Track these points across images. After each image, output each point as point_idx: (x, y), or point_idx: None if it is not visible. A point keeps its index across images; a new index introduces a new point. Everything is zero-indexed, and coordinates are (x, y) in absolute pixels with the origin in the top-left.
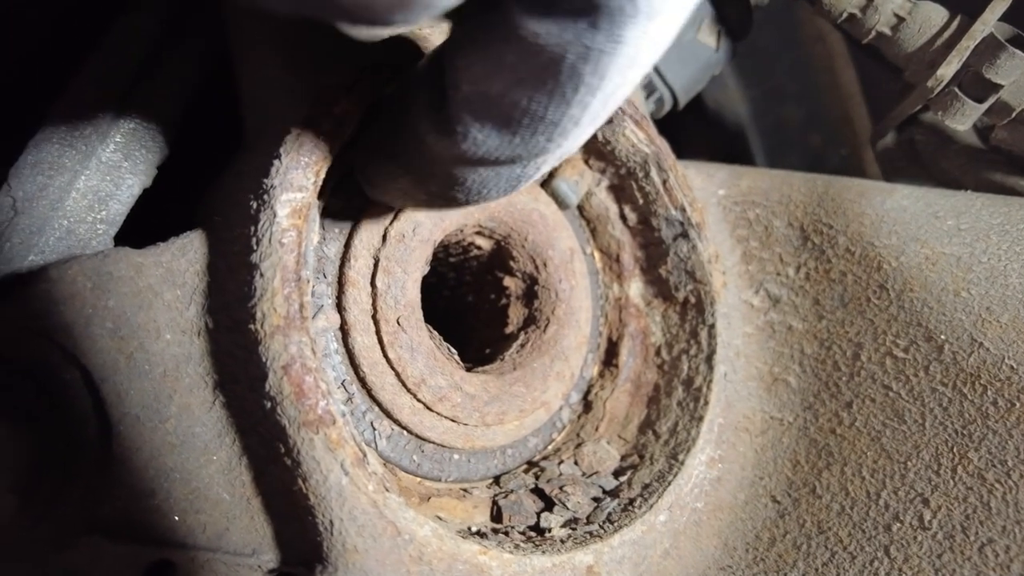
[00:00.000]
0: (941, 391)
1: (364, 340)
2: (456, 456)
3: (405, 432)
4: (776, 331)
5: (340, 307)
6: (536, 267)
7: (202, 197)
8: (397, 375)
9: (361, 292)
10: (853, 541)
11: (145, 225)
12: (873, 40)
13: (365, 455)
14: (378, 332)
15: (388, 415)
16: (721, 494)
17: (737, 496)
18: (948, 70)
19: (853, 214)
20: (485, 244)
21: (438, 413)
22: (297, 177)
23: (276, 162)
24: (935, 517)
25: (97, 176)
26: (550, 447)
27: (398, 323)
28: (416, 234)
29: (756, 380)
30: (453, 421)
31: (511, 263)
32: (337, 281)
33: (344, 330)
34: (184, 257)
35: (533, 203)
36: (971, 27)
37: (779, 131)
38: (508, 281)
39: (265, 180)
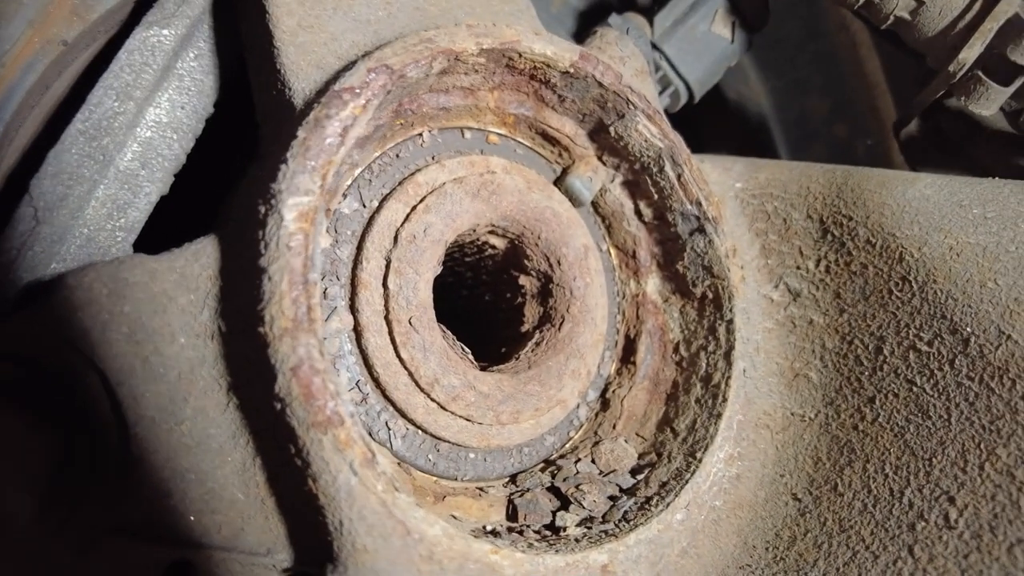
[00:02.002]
0: (967, 385)
1: (377, 341)
2: (472, 455)
3: (420, 431)
4: (796, 325)
5: (353, 309)
6: (550, 265)
7: (218, 204)
8: (410, 375)
9: (373, 293)
10: (876, 540)
11: (166, 230)
12: (892, 25)
13: (374, 455)
14: (391, 333)
15: (402, 415)
16: (741, 492)
17: (757, 494)
18: (971, 53)
19: (874, 205)
20: (499, 243)
21: (452, 412)
22: (303, 181)
23: (283, 167)
24: (961, 516)
25: (115, 185)
26: (567, 445)
27: (410, 323)
28: (427, 235)
29: (776, 376)
30: (468, 420)
31: (526, 262)
32: (350, 283)
33: (357, 331)
34: (197, 262)
35: (546, 201)
36: (995, 8)
37: (803, 123)
38: (523, 280)
39: (272, 185)
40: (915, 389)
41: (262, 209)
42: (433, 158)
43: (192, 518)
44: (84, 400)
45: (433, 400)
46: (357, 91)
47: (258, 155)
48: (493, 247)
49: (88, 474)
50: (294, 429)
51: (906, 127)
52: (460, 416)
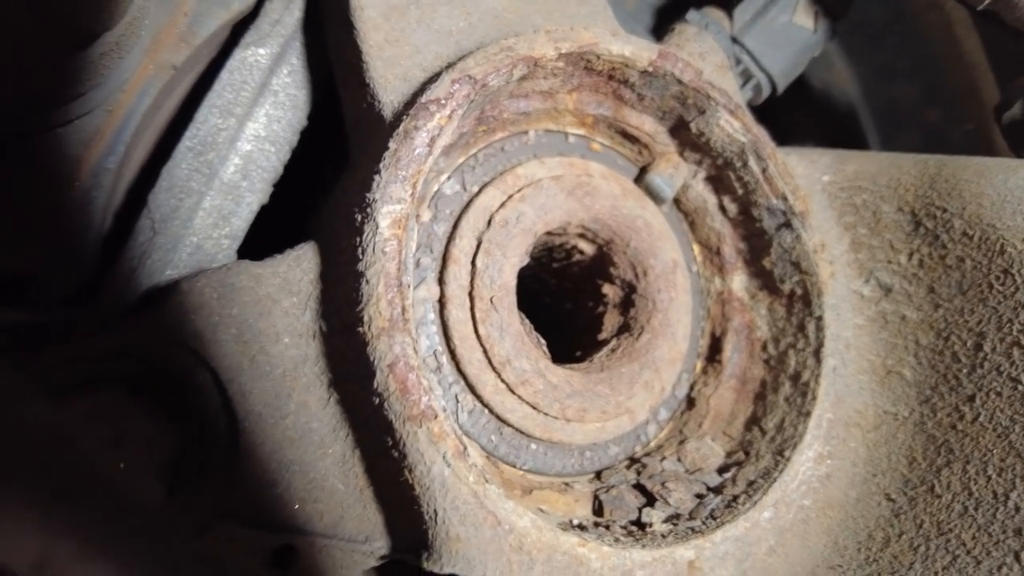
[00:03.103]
0: None
1: (458, 314)
2: (533, 445)
3: (486, 410)
4: (889, 322)
5: (441, 281)
6: (636, 275)
7: (314, 210)
8: (484, 352)
9: (461, 269)
10: (978, 545)
11: (260, 237)
12: (990, 5)
13: (465, 448)
14: (472, 308)
15: (472, 390)
16: (831, 491)
17: (848, 494)
18: None
19: (971, 195)
20: (588, 248)
21: (519, 396)
22: (396, 190)
23: (376, 177)
24: None
25: (220, 196)
26: (652, 444)
27: (491, 302)
28: (519, 222)
29: (868, 373)
30: (533, 408)
31: (611, 269)
32: (442, 257)
33: (442, 302)
34: (299, 267)
35: (639, 210)
36: None
37: (893, 109)
38: (607, 288)
39: (367, 194)
40: (1020, 388)
41: (358, 217)
42: (535, 155)
43: (296, 506)
44: (197, 396)
45: (503, 380)
46: (442, 102)
47: (349, 165)
48: (581, 252)
49: (202, 464)
50: (391, 422)
51: (1009, 111)
52: (526, 402)
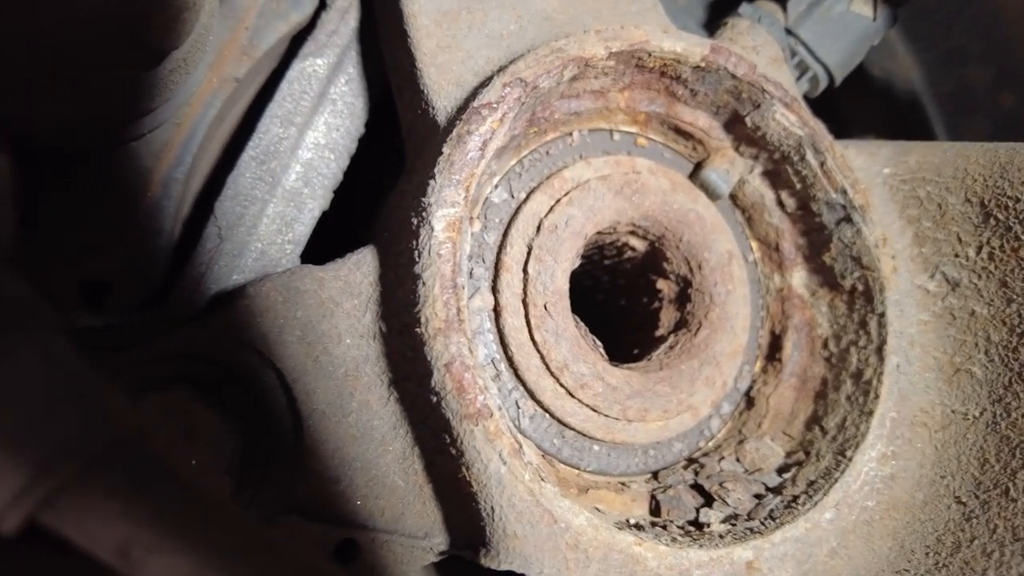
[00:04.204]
0: None
1: (514, 322)
2: (596, 447)
3: (547, 415)
4: (956, 317)
5: (495, 290)
6: (690, 269)
7: (372, 215)
8: (542, 357)
9: (514, 277)
10: None
11: (320, 241)
12: None
13: (521, 446)
14: (527, 315)
15: (532, 396)
16: (895, 492)
17: (914, 495)
18: None
19: None
20: (639, 245)
21: (579, 400)
22: (450, 194)
23: (431, 182)
24: None
25: (283, 203)
26: (710, 443)
27: (545, 308)
28: (568, 226)
29: (934, 371)
30: (593, 410)
31: (665, 265)
32: (494, 266)
33: (497, 311)
34: (359, 270)
35: (691, 204)
36: None
37: (961, 96)
38: (661, 284)
39: (423, 199)
40: None
41: (414, 221)
42: (581, 156)
43: (358, 502)
44: (264, 396)
45: (561, 385)
46: (494, 106)
47: (405, 169)
48: (633, 249)
49: (267, 460)
50: (448, 421)
51: None
52: (586, 404)
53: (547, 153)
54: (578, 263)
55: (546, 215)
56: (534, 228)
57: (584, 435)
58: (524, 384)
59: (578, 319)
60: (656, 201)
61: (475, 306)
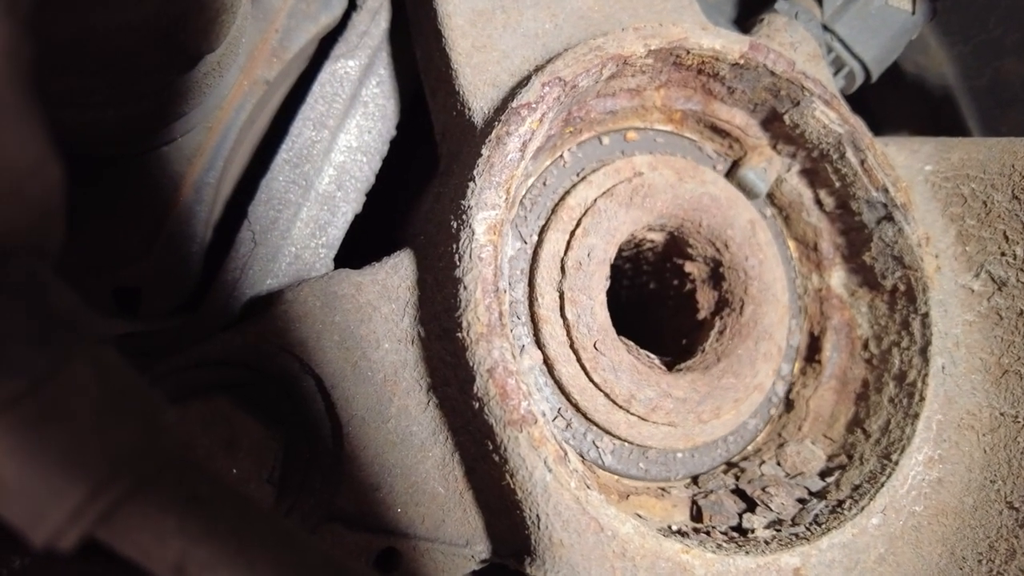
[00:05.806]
0: None
1: (568, 370)
2: (680, 455)
3: (626, 444)
4: (1003, 317)
5: (539, 344)
6: (717, 249)
7: (404, 218)
8: (606, 395)
9: (555, 327)
10: None
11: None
12: None
13: (566, 453)
14: (579, 360)
15: (607, 432)
16: (944, 497)
17: (964, 500)
18: None
19: None
20: (657, 237)
21: (654, 423)
22: (490, 196)
23: (471, 184)
24: None
25: (316, 207)
26: (750, 447)
27: (596, 348)
28: (592, 258)
29: (981, 372)
30: (670, 426)
31: (688, 249)
32: (531, 320)
33: (548, 364)
34: (397, 274)
35: (701, 188)
36: None
37: (997, 90)
38: (689, 267)
39: (463, 201)
40: None
41: (454, 224)
42: (578, 175)
43: (399, 509)
44: (303, 402)
45: (633, 414)
46: (533, 106)
47: (440, 172)
48: (651, 241)
49: (307, 468)
50: (492, 426)
51: None
52: (663, 424)
53: (544, 184)
54: (608, 284)
55: (566, 253)
56: (558, 271)
57: (667, 451)
58: (596, 424)
59: (627, 341)
60: (667, 198)
61: (525, 366)
